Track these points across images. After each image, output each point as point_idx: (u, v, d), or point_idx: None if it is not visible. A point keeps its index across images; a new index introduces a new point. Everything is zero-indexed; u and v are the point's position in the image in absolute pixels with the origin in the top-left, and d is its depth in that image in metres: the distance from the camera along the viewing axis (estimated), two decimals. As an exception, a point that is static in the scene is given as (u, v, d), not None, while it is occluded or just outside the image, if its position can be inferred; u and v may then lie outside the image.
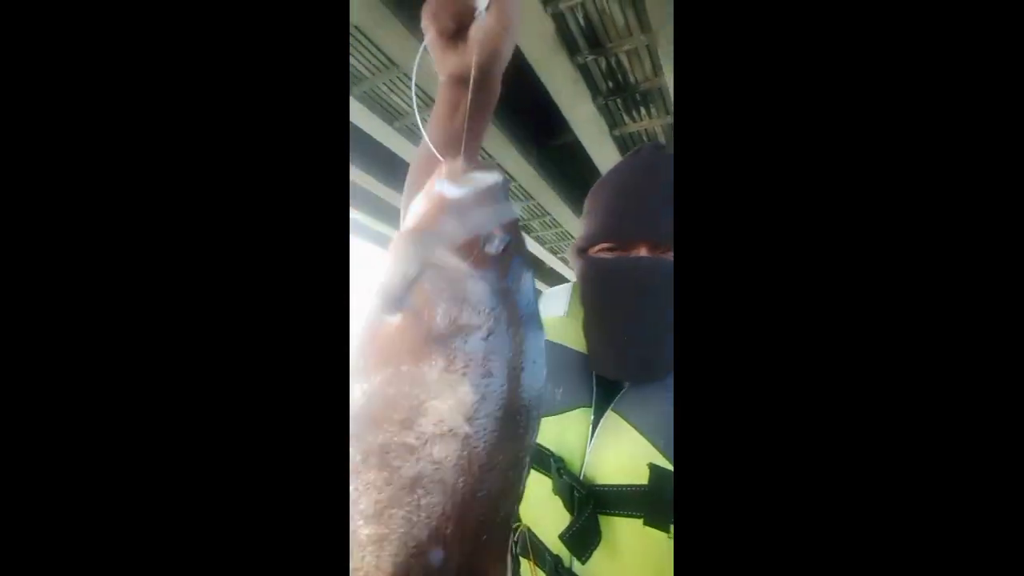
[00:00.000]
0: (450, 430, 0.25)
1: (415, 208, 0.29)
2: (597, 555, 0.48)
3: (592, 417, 0.51)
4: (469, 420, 0.25)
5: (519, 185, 2.71)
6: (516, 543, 0.58)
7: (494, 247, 0.27)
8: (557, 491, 0.49)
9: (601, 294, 0.52)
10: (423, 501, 0.25)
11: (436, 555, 0.25)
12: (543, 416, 0.57)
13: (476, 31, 0.34)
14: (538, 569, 0.54)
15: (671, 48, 1.55)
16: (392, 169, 2.45)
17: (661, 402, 0.48)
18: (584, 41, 1.66)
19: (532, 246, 3.62)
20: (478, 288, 0.26)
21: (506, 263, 0.27)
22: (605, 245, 0.52)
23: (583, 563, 0.48)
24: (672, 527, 0.45)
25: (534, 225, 3.38)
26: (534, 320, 0.28)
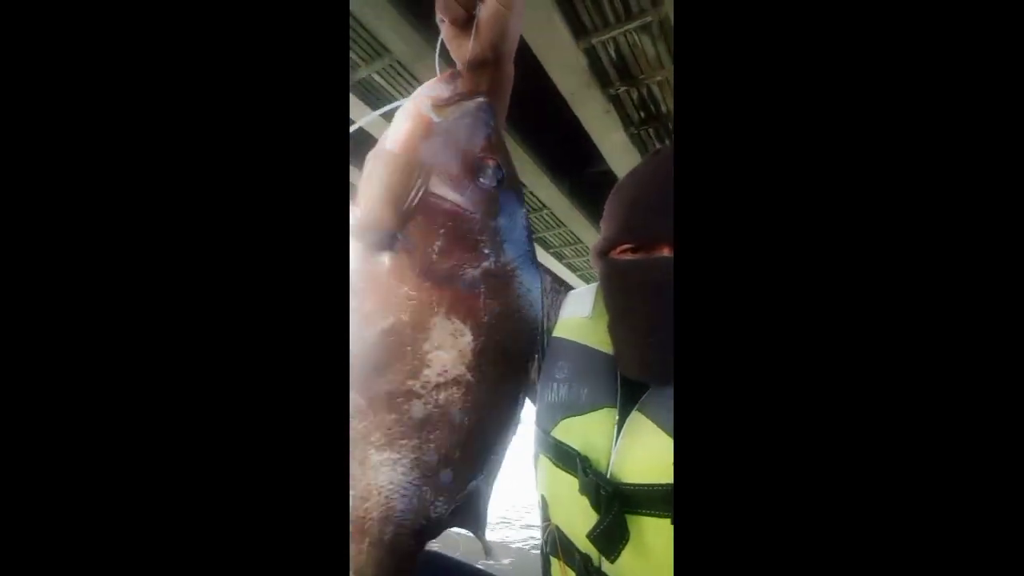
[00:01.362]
0: (454, 378, 0.26)
1: (396, 128, 0.28)
2: (627, 554, 0.48)
3: (617, 417, 0.52)
4: (471, 368, 0.26)
5: (552, 213, 2.76)
6: (546, 543, 0.59)
7: (488, 179, 0.27)
8: (583, 490, 0.50)
9: (623, 296, 0.52)
10: (431, 435, 0.26)
11: (446, 476, 0.27)
12: (568, 417, 0.58)
13: (484, 12, 0.37)
14: (568, 568, 0.54)
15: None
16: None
17: None
18: (616, 73, 1.72)
19: (563, 273, 3.65)
20: (475, 226, 0.26)
21: (499, 199, 0.27)
22: (626, 246, 0.53)
23: (612, 562, 0.48)
24: None
25: (566, 252, 3.41)
26: (529, 258, 0.28)
